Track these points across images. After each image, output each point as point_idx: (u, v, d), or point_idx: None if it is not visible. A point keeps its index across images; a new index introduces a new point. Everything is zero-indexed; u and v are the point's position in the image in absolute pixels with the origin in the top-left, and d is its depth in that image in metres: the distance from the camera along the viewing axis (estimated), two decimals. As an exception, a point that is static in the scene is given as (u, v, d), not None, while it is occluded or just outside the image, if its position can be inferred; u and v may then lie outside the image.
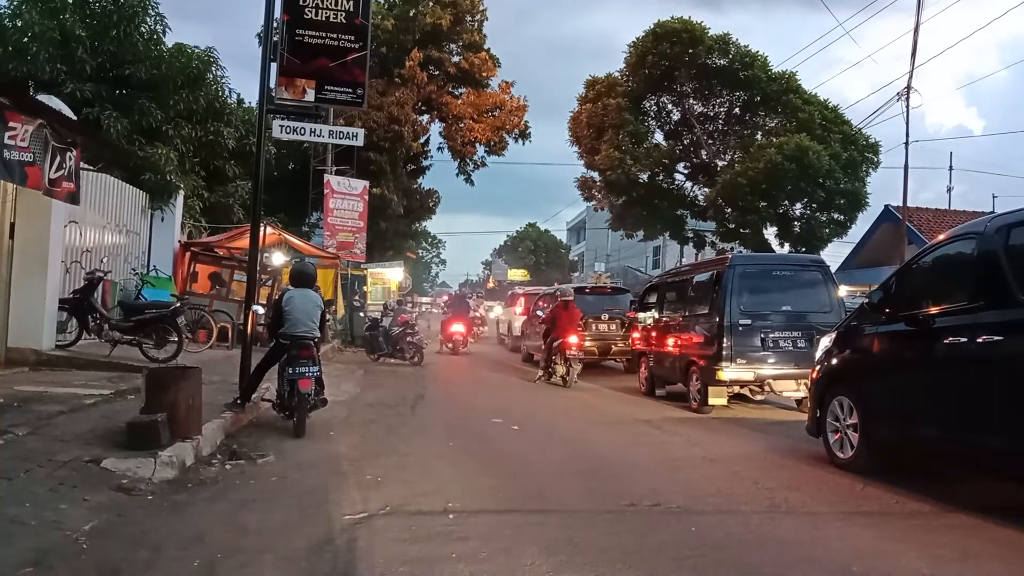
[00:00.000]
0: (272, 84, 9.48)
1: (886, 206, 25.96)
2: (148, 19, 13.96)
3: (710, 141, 28.54)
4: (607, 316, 15.55)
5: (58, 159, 7.77)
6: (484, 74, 28.45)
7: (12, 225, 8.66)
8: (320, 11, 10.39)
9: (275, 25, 9.22)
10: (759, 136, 27.19)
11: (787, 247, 25.70)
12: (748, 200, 24.60)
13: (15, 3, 13.08)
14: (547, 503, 5.02)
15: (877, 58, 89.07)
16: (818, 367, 6.83)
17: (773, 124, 26.87)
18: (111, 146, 11.90)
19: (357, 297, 21.35)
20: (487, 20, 28.63)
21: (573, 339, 12.66)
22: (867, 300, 6.38)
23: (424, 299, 41.11)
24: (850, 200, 24.81)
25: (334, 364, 13.80)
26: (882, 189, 32.57)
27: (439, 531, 4.26)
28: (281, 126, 13.26)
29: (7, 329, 8.66)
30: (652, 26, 27.08)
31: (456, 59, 28.30)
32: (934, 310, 5.37)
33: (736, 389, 9.53)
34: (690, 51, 26.13)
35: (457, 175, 30.88)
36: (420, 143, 28.85)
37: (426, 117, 29.25)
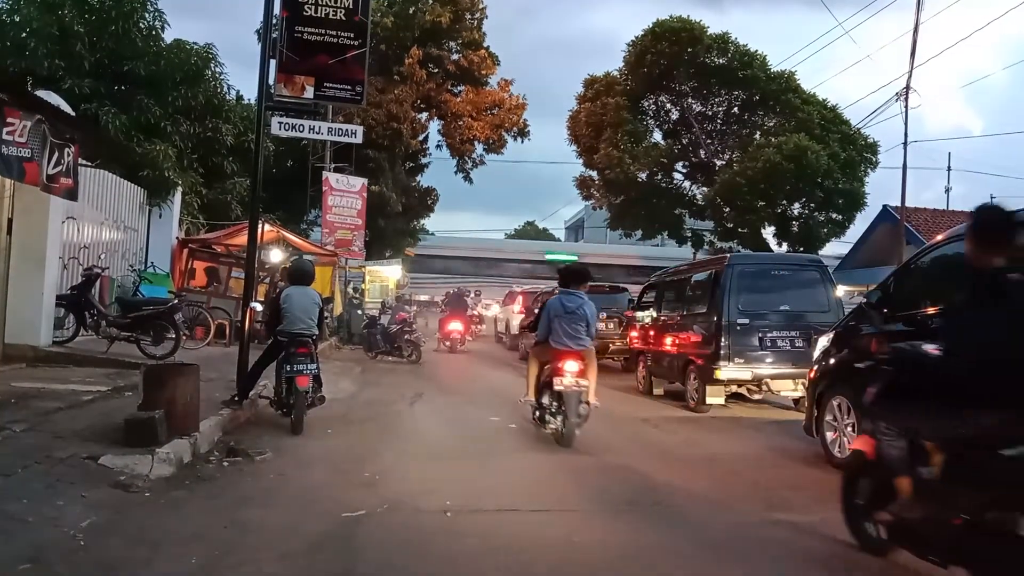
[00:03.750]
0: (271, 81, 9.44)
1: (884, 206, 25.99)
2: (147, 15, 13.94)
3: (709, 140, 28.58)
4: (605, 315, 15.55)
5: (56, 155, 7.75)
6: (483, 72, 28.43)
7: (10, 221, 8.63)
8: (320, 8, 10.34)
9: (274, 22, 9.19)
10: (758, 136, 27.26)
11: (785, 247, 25.77)
12: (746, 199, 24.66)
13: (14, -2, 13.05)
14: (545, 502, 5.02)
15: (876, 58, 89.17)
16: (816, 367, 6.84)
17: (772, 124, 26.95)
18: (109, 142, 11.88)
19: (356, 295, 21.33)
20: (487, 18, 28.64)
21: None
22: (865, 300, 6.40)
23: (422, 297, 41.07)
24: (848, 200, 24.90)
25: (332, 362, 13.79)
26: (881, 189, 32.55)
27: (437, 529, 4.26)
28: (280, 123, 13.20)
29: (4, 325, 8.63)
30: (651, 25, 27.12)
31: (455, 57, 28.28)
32: (932, 310, 5.38)
33: (734, 388, 9.55)
34: (689, 50, 26.18)
35: (456, 173, 30.89)
36: (419, 141, 28.82)
37: (425, 115, 29.23)
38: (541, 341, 7.47)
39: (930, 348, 3.72)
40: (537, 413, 7.44)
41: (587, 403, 7.04)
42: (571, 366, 7.00)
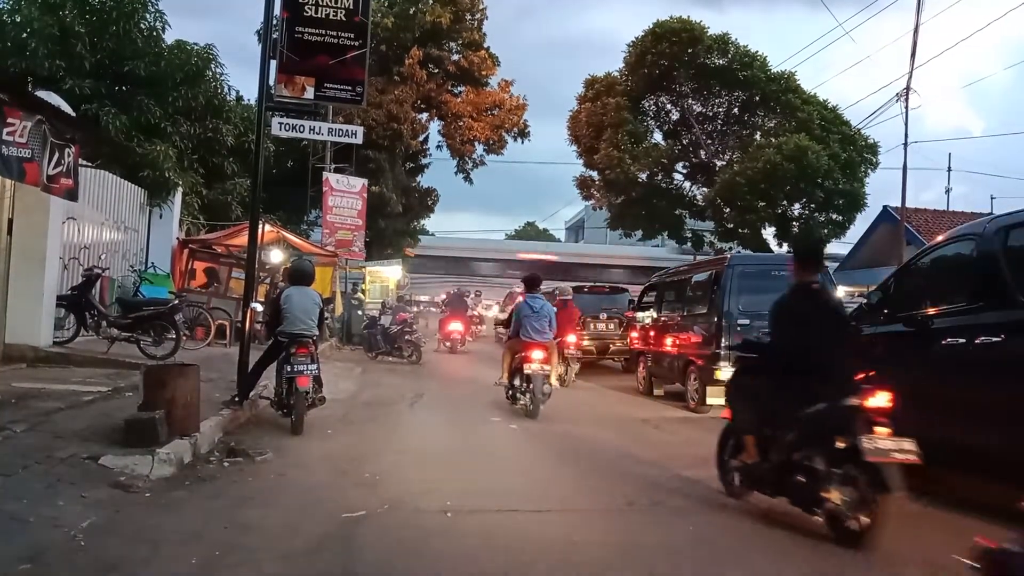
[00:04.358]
0: (271, 81, 9.44)
1: (884, 207, 25.99)
2: (147, 16, 13.92)
3: (709, 141, 28.57)
4: (605, 315, 15.57)
5: (56, 155, 7.74)
6: (483, 73, 28.41)
7: (10, 221, 8.62)
8: (320, 8, 10.36)
9: (275, 22, 9.18)
10: (758, 136, 27.26)
11: (786, 247, 25.76)
12: (747, 200, 24.65)
13: (15, -1, 13.04)
14: (545, 502, 5.02)
15: (877, 58, 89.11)
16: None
17: (772, 124, 26.94)
18: (110, 142, 11.87)
19: (356, 295, 21.33)
20: (487, 19, 28.61)
21: (571, 338, 12.67)
22: (865, 301, 6.40)
23: (422, 297, 41.11)
24: (848, 200, 24.90)
25: (332, 362, 13.80)
26: (881, 190, 32.58)
27: (437, 530, 4.26)
28: (280, 123, 13.21)
29: (5, 326, 8.62)
30: (651, 26, 27.12)
31: (456, 57, 28.26)
32: (933, 311, 5.38)
33: (734, 389, 9.55)
34: (689, 51, 26.18)
35: (456, 173, 30.85)
36: (419, 141, 28.80)
37: (425, 115, 29.20)
38: (513, 336, 9.38)
39: (765, 338, 5.16)
40: (510, 392, 9.21)
41: (550, 384, 9.03)
42: (537, 355, 8.77)
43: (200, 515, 4.28)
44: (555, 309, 9.73)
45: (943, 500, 5.05)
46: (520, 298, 10.15)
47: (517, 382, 9.06)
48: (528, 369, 8.77)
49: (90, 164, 10.35)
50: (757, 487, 4.80)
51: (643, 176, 28.03)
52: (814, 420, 4.33)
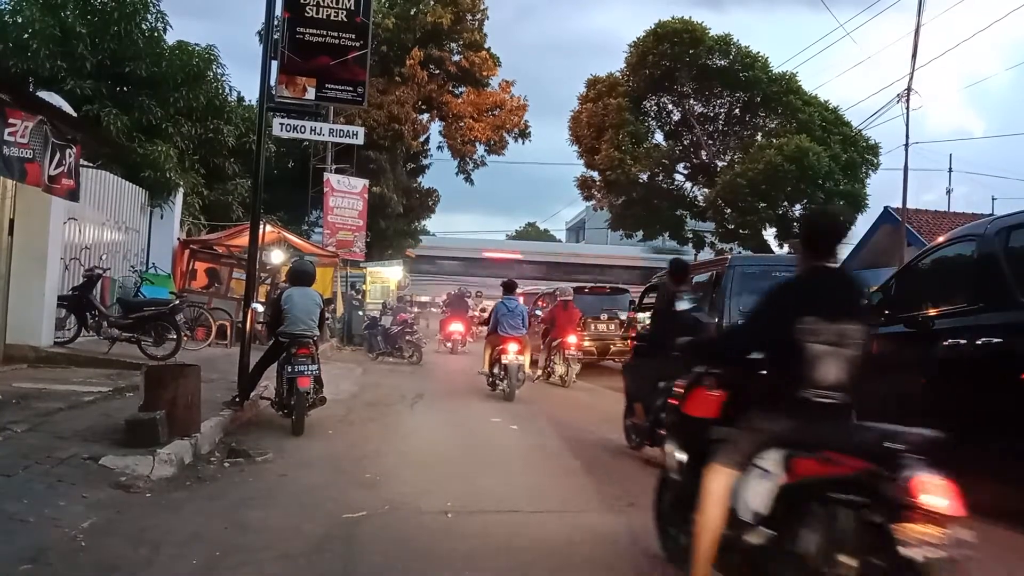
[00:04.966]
0: (273, 82, 9.46)
1: (885, 207, 25.93)
2: (149, 16, 13.91)
3: (710, 142, 28.57)
4: (606, 316, 15.56)
5: (58, 156, 7.76)
6: (484, 73, 28.41)
7: (11, 222, 8.63)
8: (321, 9, 10.41)
9: (276, 23, 9.21)
10: (759, 137, 27.26)
11: (786, 248, 25.76)
12: (748, 201, 24.64)
13: (16, -1, 13.05)
14: (546, 503, 5.02)
15: (878, 59, 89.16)
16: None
17: (773, 125, 26.93)
18: (111, 143, 11.87)
19: (357, 296, 21.34)
20: (488, 19, 28.62)
21: (572, 339, 12.68)
22: (866, 301, 6.42)
23: (423, 298, 41.10)
24: (849, 201, 24.86)
25: (333, 363, 13.79)
26: (882, 191, 32.56)
27: (438, 530, 4.26)
28: (281, 124, 13.27)
29: (6, 326, 8.63)
30: (653, 26, 27.12)
31: (456, 58, 28.26)
32: (933, 312, 5.37)
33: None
34: (691, 51, 26.18)
35: (457, 174, 30.85)
36: (420, 142, 28.80)
37: (426, 116, 29.20)
38: (492, 332, 10.77)
39: (648, 332, 7.05)
40: (489, 380, 10.69)
41: (524, 372, 10.48)
42: (512, 347, 10.21)
43: (201, 515, 4.28)
44: (527, 309, 11.45)
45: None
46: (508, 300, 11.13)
47: (496, 371, 10.55)
48: (505, 360, 10.29)
49: (91, 164, 10.35)
50: (643, 441, 6.32)
51: (644, 177, 28.05)
52: (668, 391, 5.73)
